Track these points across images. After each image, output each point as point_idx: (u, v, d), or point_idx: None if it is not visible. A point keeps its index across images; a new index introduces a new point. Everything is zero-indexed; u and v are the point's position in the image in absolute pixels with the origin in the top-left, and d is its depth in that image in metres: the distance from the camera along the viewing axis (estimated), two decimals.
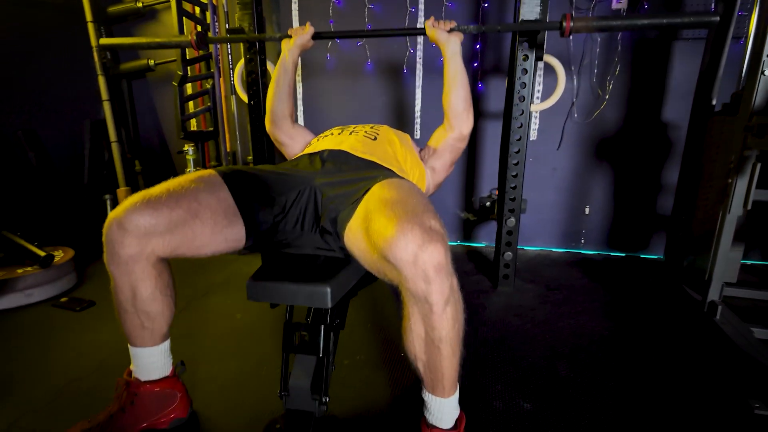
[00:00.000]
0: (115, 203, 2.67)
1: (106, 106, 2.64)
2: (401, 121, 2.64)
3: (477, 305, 1.92)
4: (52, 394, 1.33)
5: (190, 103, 2.71)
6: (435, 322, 0.88)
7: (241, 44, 2.22)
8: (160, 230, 1.01)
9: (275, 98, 1.68)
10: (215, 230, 1.09)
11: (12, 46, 2.35)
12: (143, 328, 1.10)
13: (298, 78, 2.69)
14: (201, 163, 2.67)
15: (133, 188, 2.69)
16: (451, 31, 1.55)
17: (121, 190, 2.64)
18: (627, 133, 2.37)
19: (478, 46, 2.42)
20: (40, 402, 1.30)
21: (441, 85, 2.47)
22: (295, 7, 2.59)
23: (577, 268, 2.35)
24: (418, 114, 2.60)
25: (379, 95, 2.63)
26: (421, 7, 2.44)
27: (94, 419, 1.12)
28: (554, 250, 2.63)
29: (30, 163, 2.44)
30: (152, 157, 3.10)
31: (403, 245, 0.83)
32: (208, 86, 2.57)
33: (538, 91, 2.40)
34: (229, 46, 2.58)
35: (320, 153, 1.33)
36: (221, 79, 2.60)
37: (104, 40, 1.79)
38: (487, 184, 2.63)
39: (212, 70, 2.54)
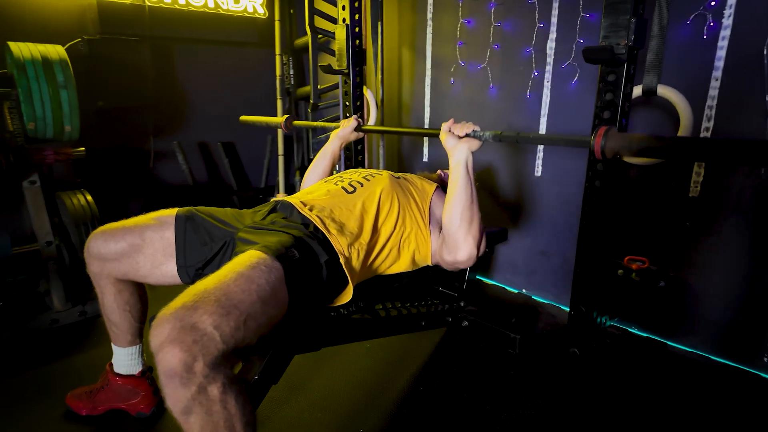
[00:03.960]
0: None
1: None
2: (521, 154, 2.25)
3: (493, 402, 1.52)
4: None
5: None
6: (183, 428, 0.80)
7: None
8: (109, 258, 1.23)
9: (307, 178, 1.74)
10: (154, 265, 1.24)
11: (222, 75, 3.09)
12: (111, 330, 1.36)
13: (426, 102, 2.61)
14: None
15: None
16: (466, 136, 1.32)
17: (278, 196, 3.15)
18: None
19: None
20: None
21: (568, 111, 2.02)
22: (429, 30, 2.51)
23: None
24: (540, 147, 2.16)
25: (499, 123, 2.30)
26: (554, 20, 2.00)
27: (90, 387, 1.46)
28: (713, 358, 1.78)
29: (226, 168, 3.18)
30: None
31: (152, 335, 0.79)
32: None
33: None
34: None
35: (276, 203, 1.32)
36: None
37: (243, 118, 2.40)
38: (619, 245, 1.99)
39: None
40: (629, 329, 2.00)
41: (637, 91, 1.39)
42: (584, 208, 1.42)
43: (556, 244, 2.20)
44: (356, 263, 1.21)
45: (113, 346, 1.39)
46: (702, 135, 1.66)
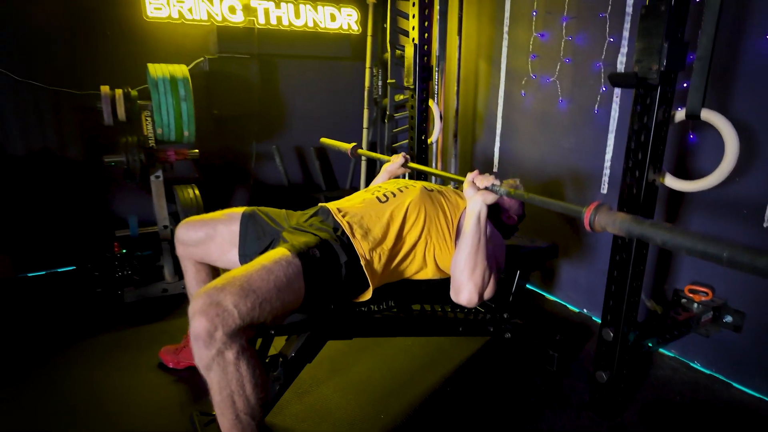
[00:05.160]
0: None
1: (364, 133, 3.44)
2: (588, 169, 2.19)
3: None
4: None
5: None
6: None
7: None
8: (190, 244, 1.56)
9: None
10: (222, 252, 1.54)
11: (318, 86, 3.44)
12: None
13: (499, 113, 2.64)
14: None
15: None
16: (485, 189, 1.36)
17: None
18: None
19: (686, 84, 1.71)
20: None
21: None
22: (504, 44, 2.54)
23: None
24: (607, 163, 2.09)
25: (567, 137, 2.26)
26: (625, 34, 1.92)
27: (177, 345, 1.82)
28: None
29: (317, 170, 3.53)
30: None
31: (189, 307, 1.04)
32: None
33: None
34: (439, 80, 2.83)
35: (319, 208, 1.53)
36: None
37: (323, 140, 2.59)
38: (689, 271, 1.85)
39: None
40: (691, 363, 1.85)
41: (681, 115, 1.33)
42: (613, 257, 1.42)
43: None
44: (378, 266, 1.36)
45: None
46: None
